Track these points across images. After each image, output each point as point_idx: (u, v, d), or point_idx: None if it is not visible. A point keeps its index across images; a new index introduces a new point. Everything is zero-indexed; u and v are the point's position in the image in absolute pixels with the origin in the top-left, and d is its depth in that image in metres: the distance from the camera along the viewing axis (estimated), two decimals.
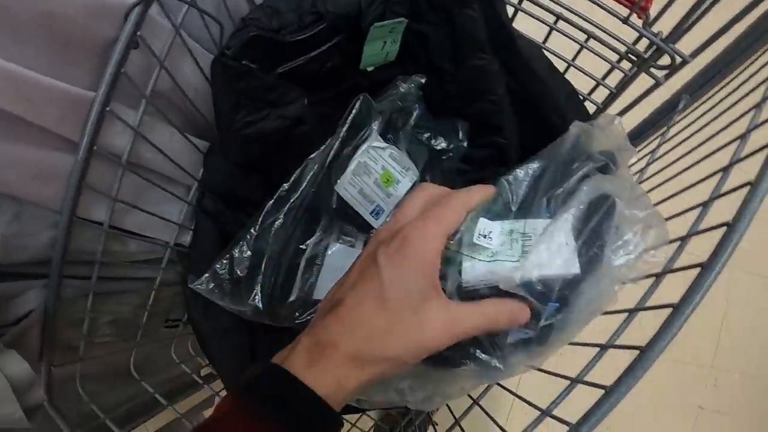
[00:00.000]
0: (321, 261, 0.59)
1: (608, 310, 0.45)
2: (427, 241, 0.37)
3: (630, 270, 0.43)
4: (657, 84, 0.62)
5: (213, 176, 0.56)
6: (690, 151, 0.53)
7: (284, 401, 0.33)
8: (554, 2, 0.60)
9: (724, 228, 0.37)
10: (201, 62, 0.53)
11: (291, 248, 0.56)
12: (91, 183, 0.47)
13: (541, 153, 0.46)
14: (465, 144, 0.59)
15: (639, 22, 0.58)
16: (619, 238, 0.42)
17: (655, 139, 0.63)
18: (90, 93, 0.44)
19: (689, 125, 0.59)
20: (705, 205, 0.44)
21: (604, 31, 0.60)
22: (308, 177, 0.55)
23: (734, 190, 0.41)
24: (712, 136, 0.51)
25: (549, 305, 0.40)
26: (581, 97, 0.63)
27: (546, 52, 0.61)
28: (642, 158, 0.61)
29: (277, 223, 0.55)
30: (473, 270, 0.41)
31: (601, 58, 0.62)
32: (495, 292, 0.40)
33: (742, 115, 0.46)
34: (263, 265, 0.55)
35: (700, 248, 0.42)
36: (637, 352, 0.38)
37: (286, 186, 0.55)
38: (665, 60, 0.60)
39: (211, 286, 0.55)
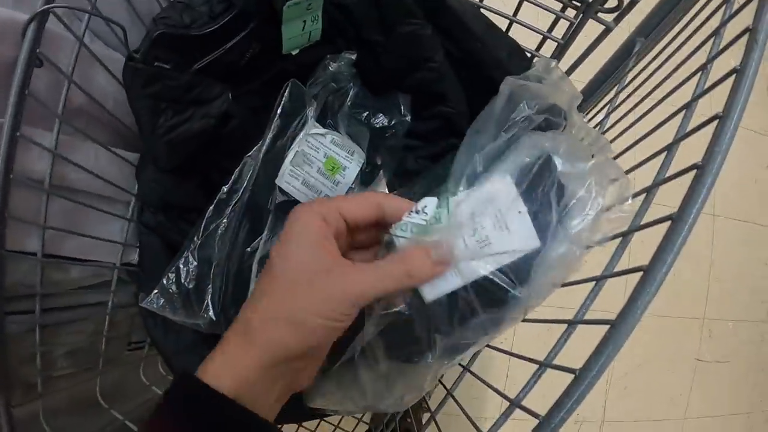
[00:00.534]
0: None
1: (572, 280, 0.44)
2: (303, 218, 0.39)
3: (592, 232, 0.42)
4: (607, 30, 0.60)
5: (148, 188, 0.55)
6: (650, 93, 0.52)
7: (190, 406, 0.35)
8: None
9: (694, 171, 0.36)
10: (115, 69, 0.51)
11: (238, 252, 0.56)
12: (16, 213, 0.46)
13: (477, 119, 0.45)
14: (408, 118, 0.58)
15: None
16: (571, 198, 0.41)
17: (612, 88, 0.62)
18: None
19: (646, 67, 0.58)
20: (670, 148, 0.42)
21: None
22: (248, 176, 0.54)
23: (701, 126, 0.39)
24: (672, 71, 0.49)
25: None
26: (529, 54, 0.61)
27: (484, 11, 0.59)
28: (601, 109, 0.60)
29: (220, 228, 0.54)
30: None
31: (543, 8, 0.60)
32: None
33: (701, 45, 0.45)
34: (212, 273, 0.54)
35: (673, 199, 0.40)
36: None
37: (225, 189, 0.55)
38: (612, 2, 0.58)
39: (161, 302, 0.54)
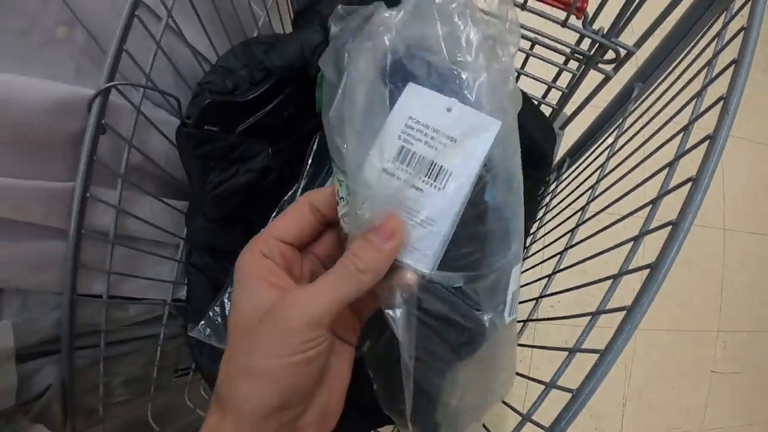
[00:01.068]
0: None
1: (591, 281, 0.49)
2: (241, 262, 0.37)
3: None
4: (607, 78, 0.67)
5: (196, 234, 0.62)
6: (641, 145, 0.57)
7: None
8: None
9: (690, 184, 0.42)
10: (166, 130, 0.59)
11: None
12: (86, 262, 0.53)
13: None
14: None
15: (580, 23, 0.63)
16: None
17: (613, 131, 0.68)
18: (69, 184, 0.50)
19: (646, 112, 0.64)
20: (670, 165, 0.48)
21: (547, 37, 0.65)
22: None
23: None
24: (656, 132, 0.55)
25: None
26: (536, 102, 0.68)
27: None
28: (602, 153, 0.66)
29: None
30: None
31: (548, 62, 0.67)
32: None
33: (683, 106, 0.51)
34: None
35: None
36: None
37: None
38: (611, 54, 0.64)
39: (207, 332, 0.61)
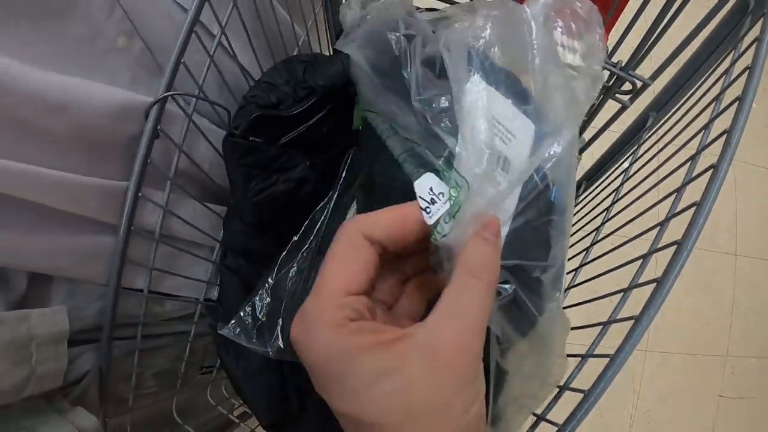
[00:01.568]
0: None
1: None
2: (332, 334, 0.31)
3: None
4: (624, 107, 0.72)
5: (233, 237, 0.67)
6: (653, 172, 0.62)
7: None
8: None
9: (694, 208, 0.47)
10: (212, 138, 0.64)
11: (306, 292, 0.66)
12: (131, 257, 0.58)
13: None
14: None
15: None
16: None
17: (629, 156, 0.73)
18: (123, 183, 0.55)
19: (659, 140, 0.69)
20: (678, 191, 0.52)
21: (569, 66, 0.70)
22: (316, 227, 0.65)
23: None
24: (666, 160, 0.59)
25: None
26: None
27: None
28: (617, 177, 0.71)
29: (292, 270, 0.65)
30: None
31: None
32: None
33: (690, 139, 0.56)
34: (282, 308, 0.65)
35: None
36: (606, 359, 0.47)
37: (296, 237, 0.66)
38: (628, 85, 0.70)
39: (237, 331, 0.65)
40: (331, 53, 0.85)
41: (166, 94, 0.55)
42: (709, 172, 0.48)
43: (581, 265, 0.66)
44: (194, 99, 0.60)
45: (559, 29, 0.44)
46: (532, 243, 0.40)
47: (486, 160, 0.36)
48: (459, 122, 0.38)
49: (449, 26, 0.42)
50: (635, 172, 0.68)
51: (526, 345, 0.42)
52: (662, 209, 0.54)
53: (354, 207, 0.65)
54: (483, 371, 0.31)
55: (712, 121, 0.54)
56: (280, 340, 0.65)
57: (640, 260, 0.52)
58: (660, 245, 0.50)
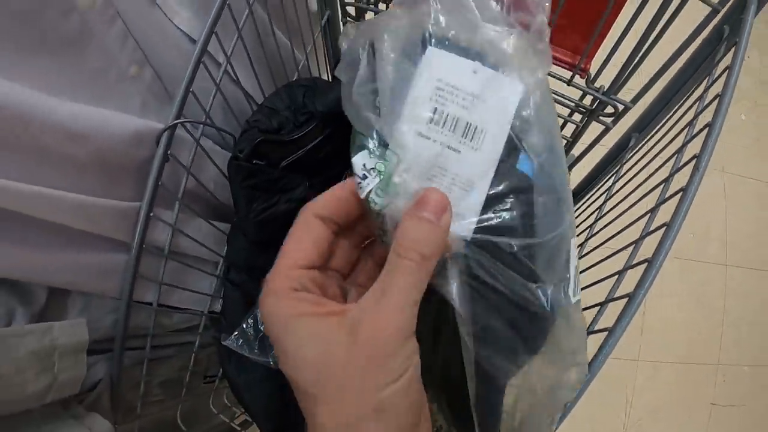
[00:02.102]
0: None
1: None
2: (275, 303, 0.36)
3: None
4: (607, 129, 0.77)
5: (236, 253, 0.71)
6: (629, 195, 0.67)
7: None
8: None
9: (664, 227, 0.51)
10: (217, 159, 0.68)
11: None
12: (142, 273, 0.62)
13: None
14: None
15: (583, 81, 0.73)
16: None
17: (612, 175, 0.78)
18: (135, 204, 0.60)
19: (639, 160, 0.74)
20: (651, 211, 0.56)
21: (555, 93, 0.75)
22: None
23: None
24: (643, 181, 0.64)
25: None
26: None
27: None
28: (600, 195, 0.76)
29: None
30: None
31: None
32: None
33: (665, 162, 0.61)
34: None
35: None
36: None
37: None
38: (611, 108, 0.75)
39: (240, 343, 0.69)
40: (331, 77, 0.90)
41: (176, 122, 0.60)
42: (680, 194, 0.52)
43: None
44: (201, 126, 0.65)
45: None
46: (505, 218, 0.38)
47: (420, 132, 0.37)
48: (383, 98, 0.39)
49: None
50: (618, 191, 0.73)
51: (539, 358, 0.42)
52: (640, 227, 0.58)
53: None
54: (413, 352, 0.32)
55: (684, 145, 0.59)
56: None
57: (616, 276, 0.56)
58: (634, 262, 0.55)
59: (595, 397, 1.71)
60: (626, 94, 0.74)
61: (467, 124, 0.37)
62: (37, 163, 0.50)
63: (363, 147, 0.41)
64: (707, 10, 0.61)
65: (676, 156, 0.59)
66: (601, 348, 0.50)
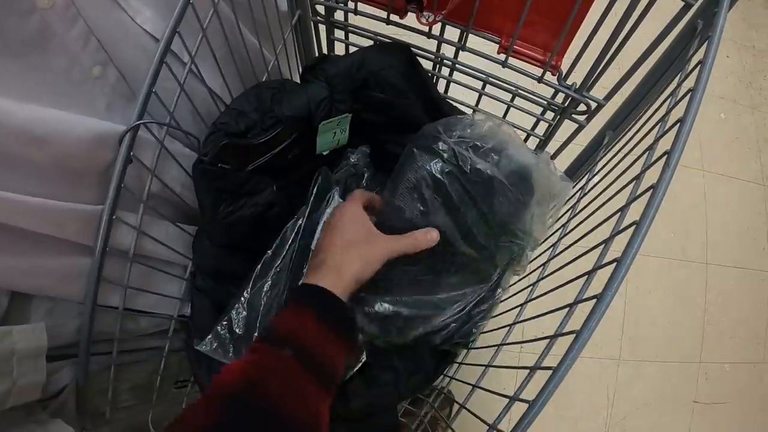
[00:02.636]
0: None
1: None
2: (351, 207, 0.66)
3: None
4: (580, 127, 0.77)
5: (202, 258, 0.71)
6: (600, 193, 0.67)
7: (316, 299, 0.57)
8: (480, 72, 0.75)
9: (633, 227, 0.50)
10: (183, 162, 0.68)
11: (280, 305, 0.71)
12: (106, 276, 0.62)
13: None
14: None
15: (555, 79, 0.73)
16: None
17: (585, 173, 0.78)
18: (99, 207, 0.59)
19: (613, 158, 0.73)
20: (622, 210, 0.56)
21: (526, 91, 0.75)
22: (287, 243, 0.70)
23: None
24: (613, 180, 0.64)
25: None
26: None
27: (477, 114, 0.75)
28: (575, 194, 0.75)
29: (266, 285, 0.69)
30: None
31: (527, 113, 0.77)
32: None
33: (635, 160, 0.61)
34: (258, 321, 0.69)
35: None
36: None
37: (270, 252, 0.70)
38: (584, 106, 0.74)
39: (214, 346, 0.69)
40: (301, 75, 0.90)
41: (137, 123, 0.60)
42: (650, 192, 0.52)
43: (539, 280, 0.70)
44: (165, 127, 0.64)
45: None
46: None
47: None
48: None
49: None
50: (591, 189, 0.73)
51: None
52: (612, 225, 0.58)
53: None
54: (374, 242, 0.63)
55: (656, 141, 0.59)
56: None
57: (585, 277, 0.56)
58: (605, 261, 0.54)
59: (576, 396, 1.74)
60: (601, 91, 0.74)
61: None
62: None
63: None
64: (681, 5, 0.61)
65: (647, 153, 0.59)
66: (569, 350, 0.50)
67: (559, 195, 0.72)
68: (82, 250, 0.60)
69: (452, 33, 0.76)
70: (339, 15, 0.81)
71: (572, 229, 0.73)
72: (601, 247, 0.57)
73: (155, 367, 0.76)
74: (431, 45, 0.79)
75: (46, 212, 0.54)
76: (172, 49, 0.62)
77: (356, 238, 0.63)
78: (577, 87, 0.73)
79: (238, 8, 0.69)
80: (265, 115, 0.65)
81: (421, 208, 0.66)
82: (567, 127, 0.81)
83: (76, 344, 0.63)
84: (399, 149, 0.71)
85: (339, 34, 0.86)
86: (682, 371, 1.86)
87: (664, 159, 0.53)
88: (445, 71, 0.81)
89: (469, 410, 0.67)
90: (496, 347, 0.72)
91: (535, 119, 0.79)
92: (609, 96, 0.75)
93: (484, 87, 0.77)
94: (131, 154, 0.60)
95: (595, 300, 0.51)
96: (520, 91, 0.75)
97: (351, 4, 0.75)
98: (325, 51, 0.91)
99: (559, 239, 0.73)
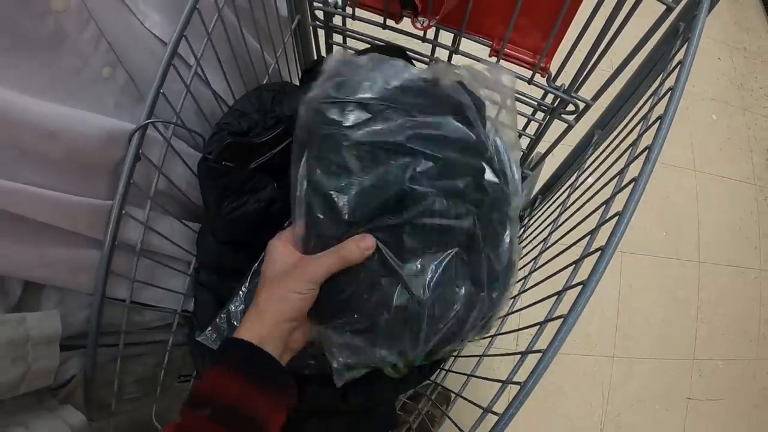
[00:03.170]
0: None
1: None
2: (271, 246, 0.62)
3: None
4: (570, 126, 0.81)
5: (205, 254, 0.75)
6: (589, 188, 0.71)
7: (230, 351, 0.55)
8: None
9: (617, 217, 0.54)
10: (189, 161, 0.72)
11: None
12: (115, 269, 0.65)
13: None
14: None
15: (544, 80, 0.77)
16: None
17: (575, 172, 0.82)
18: (108, 202, 0.63)
19: (600, 154, 0.77)
20: (607, 203, 0.60)
21: (517, 92, 0.79)
22: None
23: (625, 187, 0.58)
24: (598, 179, 0.68)
25: None
26: None
27: None
28: (565, 190, 0.80)
29: None
30: None
31: (517, 113, 0.81)
32: None
33: (617, 159, 0.65)
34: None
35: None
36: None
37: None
38: (572, 107, 0.79)
39: (213, 338, 0.73)
40: (300, 78, 0.94)
41: (146, 122, 0.63)
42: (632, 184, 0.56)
43: (530, 273, 0.74)
44: (171, 126, 0.68)
45: None
46: None
47: None
48: None
49: None
50: (580, 184, 0.77)
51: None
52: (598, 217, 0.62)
53: None
54: (312, 291, 0.57)
55: (639, 138, 0.63)
56: None
57: (573, 266, 0.60)
58: (591, 250, 0.58)
59: (572, 393, 1.78)
60: (589, 92, 0.78)
61: None
62: (16, 161, 0.54)
63: None
64: (663, 8, 0.64)
65: (630, 149, 0.63)
66: (556, 335, 0.53)
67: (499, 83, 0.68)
68: (92, 243, 0.64)
69: (446, 37, 0.80)
70: (337, 20, 0.85)
71: (562, 223, 0.77)
72: (587, 238, 0.61)
73: (159, 360, 0.80)
74: (426, 48, 0.83)
75: (60, 205, 0.58)
76: (178, 52, 0.66)
77: (277, 275, 0.59)
78: (566, 88, 0.77)
79: (241, 13, 0.73)
80: (266, 115, 0.69)
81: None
82: (557, 126, 0.85)
83: (83, 335, 0.67)
84: None
85: (337, 38, 0.90)
86: (676, 368, 1.90)
87: (645, 154, 0.57)
88: None
89: (465, 398, 0.70)
90: (491, 338, 0.76)
91: (526, 119, 0.84)
92: (596, 96, 0.79)
93: None
94: (140, 151, 0.63)
95: (581, 287, 0.55)
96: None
97: (349, 10, 0.80)
98: (323, 54, 0.96)
99: (550, 233, 0.77)
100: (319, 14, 0.85)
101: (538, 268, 0.75)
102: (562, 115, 0.80)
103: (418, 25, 0.70)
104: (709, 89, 2.34)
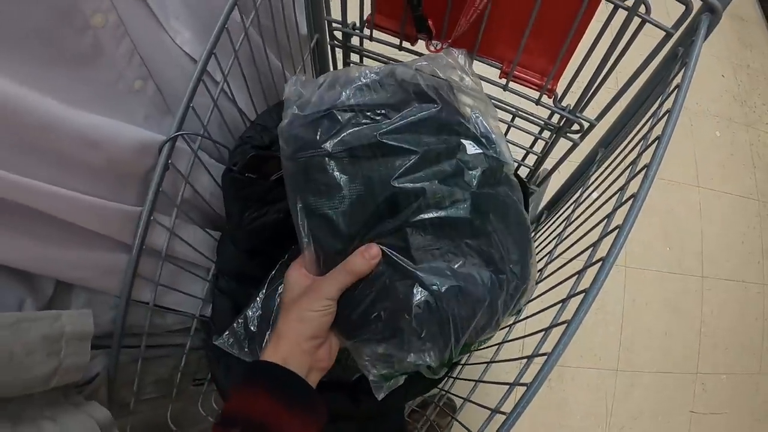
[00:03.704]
0: None
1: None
2: (287, 274, 0.66)
3: None
4: (575, 145, 0.86)
5: (225, 261, 0.80)
6: (590, 205, 0.76)
7: (257, 371, 0.59)
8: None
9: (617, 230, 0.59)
10: (213, 172, 0.77)
11: None
12: (141, 273, 0.70)
13: None
14: None
15: (551, 101, 0.83)
16: None
17: (579, 188, 0.87)
18: (138, 208, 0.68)
19: (603, 172, 0.83)
20: (608, 217, 0.64)
21: (524, 112, 0.85)
22: None
23: (624, 202, 0.63)
24: (600, 195, 0.73)
25: None
26: (516, 164, 0.87)
27: None
28: (570, 205, 0.85)
29: (281, 286, 0.78)
30: None
31: (525, 132, 0.87)
32: None
33: (619, 175, 0.70)
34: (271, 320, 0.77)
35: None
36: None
37: (286, 256, 0.79)
38: (577, 127, 0.84)
39: (230, 342, 0.77)
40: None
41: (177, 134, 0.68)
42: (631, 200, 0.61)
43: (538, 282, 0.79)
44: (199, 138, 0.73)
45: None
46: None
47: None
48: None
49: None
50: (584, 200, 0.82)
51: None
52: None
53: None
54: (328, 308, 0.61)
55: (638, 157, 0.68)
56: None
57: (576, 275, 0.65)
58: (593, 261, 0.63)
59: (575, 406, 1.81)
60: (593, 112, 0.84)
61: None
62: (57, 167, 0.58)
63: None
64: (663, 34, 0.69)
65: (630, 167, 0.68)
66: (563, 336, 0.58)
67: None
68: (121, 247, 0.69)
69: None
70: (355, 40, 0.91)
71: (567, 237, 0.82)
72: (590, 250, 0.66)
73: (177, 362, 0.84)
74: None
75: (95, 210, 0.62)
76: (206, 69, 0.71)
77: (293, 298, 0.63)
78: (572, 108, 0.83)
79: (265, 32, 0.78)
80: None
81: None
82: (562, 144, 0.91)
83: (109, 335, 0.71)
84: None
85: (354, 57, 0.96)
86: (679, 382, 1.95)
87: (644, 171, 0.62)
88: None
89: (473, 401, 0.75)
90: (497, 346, 0.81)
91: (533, 138, 0.89)
92: (600, 116, 0.84)
93: None
94: (169, 161, 0.68)
95: (583, 294, 0.60)
96: (519, 112, 0.85)
97: (366, 31, 0.85)
98: None
99: (555, 246, 0.82)
100: (338, 35, 0.91)
101: (545, 278, 0.80)
102: (568, 134, 0.85)
103: (432, 48, 0.76)
104: (713, 106, 2.40)
